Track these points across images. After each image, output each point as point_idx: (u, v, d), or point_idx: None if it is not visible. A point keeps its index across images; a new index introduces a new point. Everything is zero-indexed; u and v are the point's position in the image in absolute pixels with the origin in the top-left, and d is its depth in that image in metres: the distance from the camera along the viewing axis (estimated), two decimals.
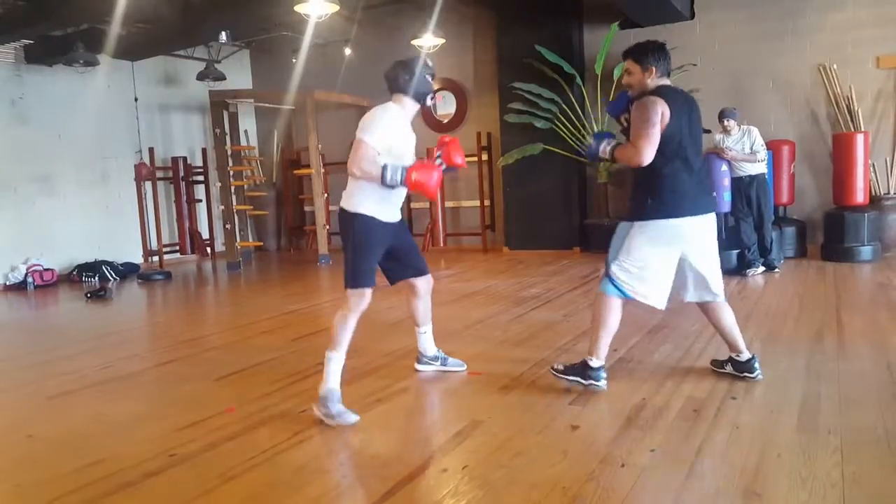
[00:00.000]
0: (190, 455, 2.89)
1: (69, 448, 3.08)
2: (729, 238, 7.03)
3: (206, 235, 10.52)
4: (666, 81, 3.29)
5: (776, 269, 6.79)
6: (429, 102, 3.56)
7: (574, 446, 2.75)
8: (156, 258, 9.48)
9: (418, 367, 3.93)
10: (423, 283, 3.75)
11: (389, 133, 3.33)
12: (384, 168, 3.22)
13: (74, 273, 8.80)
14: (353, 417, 3.15)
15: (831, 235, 7.31)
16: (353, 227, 3.38)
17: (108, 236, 9.30)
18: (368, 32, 9.35)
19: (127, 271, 9.01)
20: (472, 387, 3.67)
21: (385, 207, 3.41)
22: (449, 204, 9.79)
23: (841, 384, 3.36)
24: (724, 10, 8.18)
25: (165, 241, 9.75)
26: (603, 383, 3.39)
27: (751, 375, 3.43)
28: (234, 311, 6.67)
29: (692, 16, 8.32)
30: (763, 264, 6.75)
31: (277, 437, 3.03)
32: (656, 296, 3.31)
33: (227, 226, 9.27)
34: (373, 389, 3.66)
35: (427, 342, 3.91)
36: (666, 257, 3.27)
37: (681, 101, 3.24)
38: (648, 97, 3.16)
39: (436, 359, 3.92)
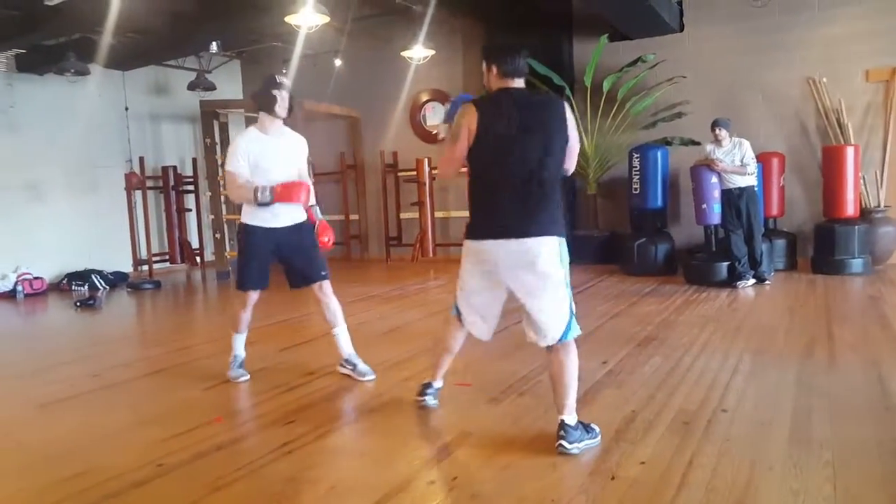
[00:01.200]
0: (177, 465, 2.87)
1: (57, 457, 3.04)
2: (719, 250, 7.07)
3: (195, 245, 10.46)
4: (509, 83, 2.90)
5: (766, 282, 6.82)
6: (279, 114, 3.80)
7: (563, 459, 2.74)
8: (145, 267, 9.42)
9: (339, 369, 4.12)
10: (316, 290, 3.98)
11: (250, 154, 3.74)
12: (255, 191, 3.70)
13: (64, 282, 8.72)
14: (244, 377, 4.04)
15: (822, 248, 7.32)
16: (238, 235, 4.03)
17: (98, 245, 9.23)
18: (359, 43, 9.36)
19: (117, 280, 8.94)
20: (461, 398, 3.65)
21: (263, 214, 3.82)
22: (438, 214, 9.78)
23: (832, 397, 3.37)
24: (714, 24, 8.25)
25: (155, 250, 9.69)
26: (428, 400, 3.41)
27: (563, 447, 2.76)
28: (223, 321, 6.59)
29: (681, 28, 8.38)
30: (753, 276, 6.77)
31: (266, 447, 3.00)
32: (477, 326, 3.14)
33: (217, 235, 9.23)
34: (362, 400, 3.64)
35: (340, 344, 4.07)
36: (480, 281, 3.01)
37: (501, 110, 2.84)
38: (464, 107, 2.90)
39: (348, 363, 4.06)
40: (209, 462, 2.90)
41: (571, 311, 2.87)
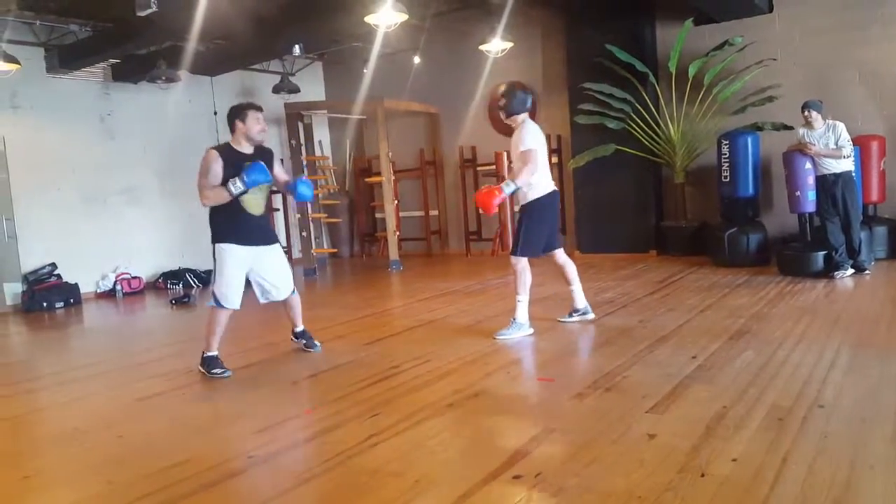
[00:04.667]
0: (267, 457, 2.97)
1: (156, 448, 3.20)
2: (815, 239, 6.74)
3: (283, 243, 10.80)
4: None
5: (866, 272, 6.46)
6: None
7: (651, 455, 2.68)
8: None
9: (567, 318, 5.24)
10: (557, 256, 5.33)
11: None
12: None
13: (160, 280, 9.19)
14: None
15: None
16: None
17: (191, 245, 9.65)
18: (436, 40, 9.40)
19: (209, 278, 9.34)
20: (546, 393, 3.62)
21: None
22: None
23: None
24: (805, 2, 7.84)
25: None
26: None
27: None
28: (310, 316, 6.75)
29: (770, 9, 8.01)
30: (852, 266, 6.43)
31: (352, 439, 3.07)
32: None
33: (304, 233, 9.50)
34: (444, 394, 3.66)
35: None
36: None
37: None
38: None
39: (577, 311, 5.22)
40: (297, 454, 2.99)
41: (217, 292, 4.60)
